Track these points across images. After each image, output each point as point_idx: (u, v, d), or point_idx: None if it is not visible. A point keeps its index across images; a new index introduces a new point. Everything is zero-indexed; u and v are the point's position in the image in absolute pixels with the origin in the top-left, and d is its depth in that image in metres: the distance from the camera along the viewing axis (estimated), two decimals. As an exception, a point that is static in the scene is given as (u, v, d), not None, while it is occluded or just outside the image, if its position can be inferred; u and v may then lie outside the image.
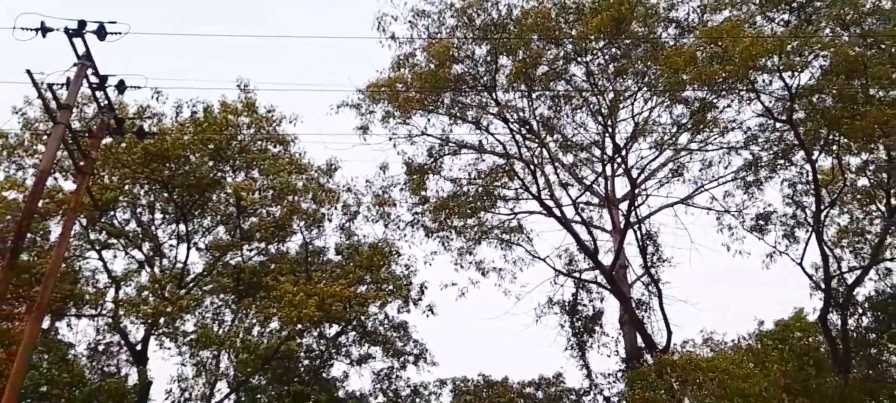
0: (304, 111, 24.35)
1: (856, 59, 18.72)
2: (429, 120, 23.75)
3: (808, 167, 22.04)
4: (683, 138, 23.92)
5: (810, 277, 23.00)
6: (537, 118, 23.49)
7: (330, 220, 24.35)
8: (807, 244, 22.62)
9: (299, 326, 21.00)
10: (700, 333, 24.18)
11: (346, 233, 24.84)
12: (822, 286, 22.26)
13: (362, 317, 23.39)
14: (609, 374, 24.33)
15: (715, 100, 22.40)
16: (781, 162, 23.16)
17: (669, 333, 22.10)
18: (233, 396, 22.67)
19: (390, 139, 23.68)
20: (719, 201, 24.57)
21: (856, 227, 23.99)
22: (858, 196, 23.74)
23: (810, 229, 22.48)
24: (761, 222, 23.80)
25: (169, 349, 22.37)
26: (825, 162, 22.51)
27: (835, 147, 21.34)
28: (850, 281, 23.15)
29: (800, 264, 22.76)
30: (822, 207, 22.08)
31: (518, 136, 23.08)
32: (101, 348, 23.51)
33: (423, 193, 23.83)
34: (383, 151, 24.08)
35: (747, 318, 30.68)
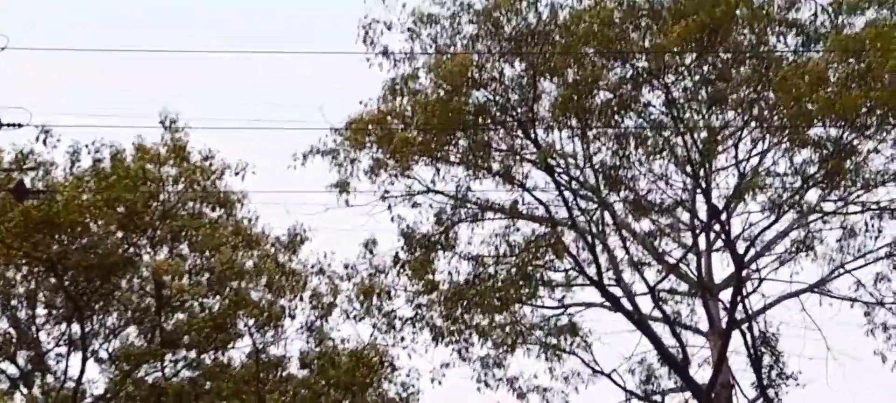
0: (257, 159, 24.04)
1: None
2: (437, 171, 23.30)
3: None
4: (812, 196, 23.34)
5: None
6: (596, 167, 23.08)
7: (292, 317, 24.08)
8: None
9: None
10: (846, 484, 23.42)
11: (316, 336, 24.47)
12: None
13: (340, 463, 22.26)
14: None
15: (856, 141, 22.12)
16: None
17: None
18: None
19: (383, 197, 23.40)
20: (868, 288, 24.02)
21: None
22: None
23: None
24: (932, 319, 22.98)
25: None
26: None
27: None
28: None
29: None
30: None
31: (568, 193, 22.75)
32: None
33: (429, 277, 23.47)
34: (371, 216, 23.82)
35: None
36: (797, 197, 23.05)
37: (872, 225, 23.68)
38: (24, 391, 23.46)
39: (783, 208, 22.95)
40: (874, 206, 23.41)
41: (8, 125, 15.46)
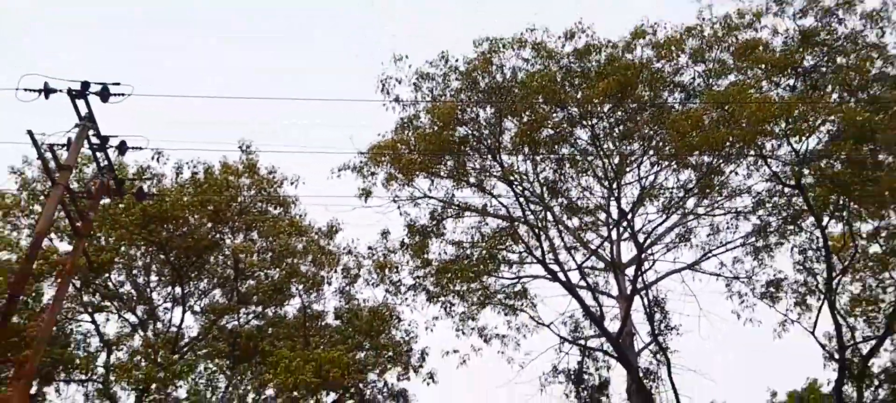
0: (305, 173, 25.13)
1: (864, 124, 19.05)
2: (432, 182, 24.24)
3: (817, 233, 22.46)
4: (690, 202, 24.63)
5: (823, 347, 23.02)
6: (542, 181, 24.09)
7: (329, 283, 24.91)
8: (819, 312, 23.29)
9: (295, 393, 20.98)
10: (711, 404, 23.90)
11: (345, 297, 25.28)
12: (836, 356, 22.29)
13: (361, 385, 23.60)
14: (617, 447, 23.94)
15: (722, 165, 23.01)
16: (791, 227, 23.81)
17: (679, 403, 22.18)
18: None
19: (394, 200, 24.07)
20: (728, 267, 25.15)
21: (869, 296, 24.16)
22: (870, 263, 23.95)
23: (822, 297, 22.93)
24: (772, 289, 24.39)
25: (161, 417, 22.76)
26: (836, 228, 23.12)
27: (845, 212, 21.62)
28: (864, 351, 23.07)
29: (812, 333, 22.84)
30: (834, 274, 22.49)
31: (522, 199, 23.58)
32: (90, 415, 23.84)
33: (425, 256, 24.11)
34: (385, 214, 24.43)
35: (760, 389, 30.31)
36: (680, 203, 23.90)
37: (731, 224, 25.08)
38: (141, 333, 24.25)
39: (670, 211, 23.77)
40: (733, 211, 24.84)
41: (132, 148, 15.41)
